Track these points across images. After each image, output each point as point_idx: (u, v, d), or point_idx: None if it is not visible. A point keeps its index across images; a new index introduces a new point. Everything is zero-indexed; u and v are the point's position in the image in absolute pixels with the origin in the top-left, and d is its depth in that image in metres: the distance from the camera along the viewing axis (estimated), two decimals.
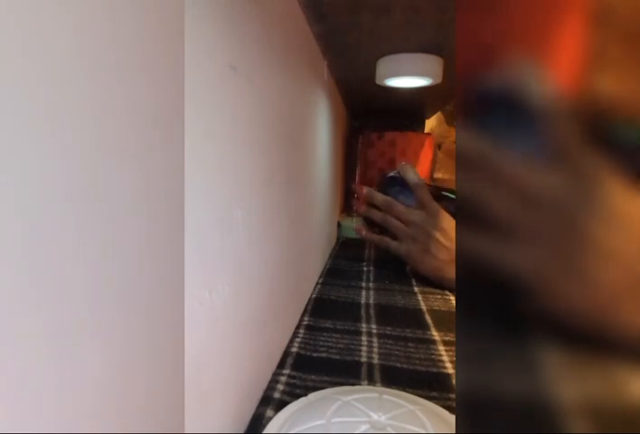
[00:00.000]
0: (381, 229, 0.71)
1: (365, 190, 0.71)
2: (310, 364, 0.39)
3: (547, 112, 0.19)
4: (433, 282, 0.64)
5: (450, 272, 0.61)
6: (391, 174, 0.72)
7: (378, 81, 0.63)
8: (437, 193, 0.67)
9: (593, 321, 0.19)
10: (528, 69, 0.19)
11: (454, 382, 0.37)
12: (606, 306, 0.19)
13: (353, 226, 0.78)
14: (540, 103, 0.19)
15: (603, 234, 0.19)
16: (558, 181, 0.19)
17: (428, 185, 0.67)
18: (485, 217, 0.20)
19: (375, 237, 0.72)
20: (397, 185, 0.69)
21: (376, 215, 0.70)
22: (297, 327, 0.48)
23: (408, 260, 0.68)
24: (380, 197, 0.69)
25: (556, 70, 0.20)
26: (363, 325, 0.49)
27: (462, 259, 0.20)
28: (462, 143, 0.20)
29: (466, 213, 0.20)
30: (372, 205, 0.71)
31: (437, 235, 0.62)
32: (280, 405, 0.31)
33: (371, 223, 0.73)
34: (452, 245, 0.61)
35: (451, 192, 0.68)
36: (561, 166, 0.19)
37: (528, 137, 0.20)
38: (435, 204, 0.64)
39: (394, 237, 0.69)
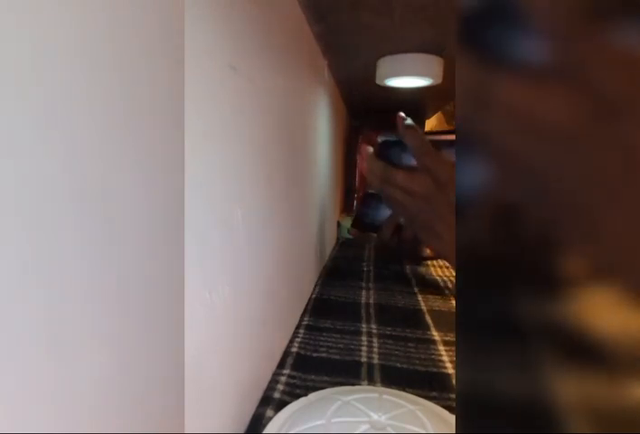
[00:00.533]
0: (374, 229, 0.63)
1: (365, 150, 0.60)
2: (310, 364, 0.39)
3: (542, 11, 0.16)
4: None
5: (453, 251, 0.54)
6: (386, 138, 0.60)
7: (378, 81, 0.63)
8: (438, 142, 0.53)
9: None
10: None
11: (454, 382, 0.37)
12: (620, 272, 0.17)
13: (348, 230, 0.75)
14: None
15: (628, 178, 0.16)
16: (574, 106, 0.16)
17: (431, 142, 0.53)
18: (489, 157, 0.17)
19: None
20: (395, 147, 0.57)
21: (376, 185, 0.55)
22: (297, 327, 0.48)
23: (408, 235, 0.55)
24: (377, 165, 0.55)
25: None
26: (363, 325, 0.49)
27: (462, 245, 0.18)
28: (458, 72, 0.17)
29: (467, 154, 0.18)
30: (372, 172, 0.57)
31: (445, 211, 0.50)
32: (280, 405, 0.31)
33: (361, 224, 0.65)
34: None
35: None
36: (575, 84, 0.16)
37: (527, 51, 0.16)
38: (443, 169, 0.51)
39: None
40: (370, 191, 0.60)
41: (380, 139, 0.56)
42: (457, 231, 0.19)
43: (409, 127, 0.52)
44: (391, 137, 0.57)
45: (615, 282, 0.17)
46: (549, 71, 0.17)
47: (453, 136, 0.56)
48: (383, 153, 0.56)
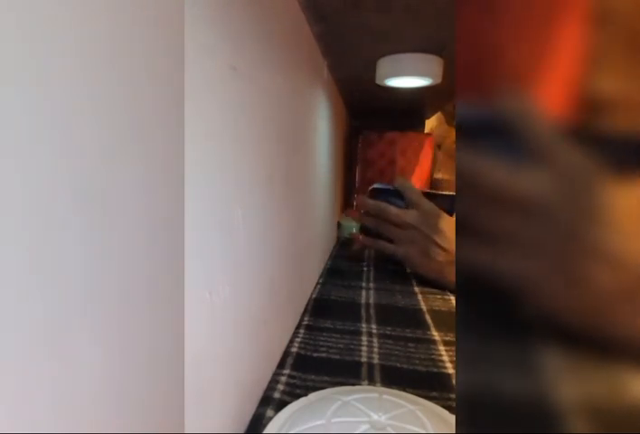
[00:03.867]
0: (378, 235, 0.70)
1: (360, 198, 0.70)
2: (310, 364, 0.39)
3: (522, 117, 0.20)
4: (433, 283, 0.64)
5: (450, 273, 0.61)
6: (376, 185, 0.71)
7: (378, 81, 0.63)
8: (428, 193, 0.66)
9: (592, 322, 0.19)
10: (517, 98, 0.20)
11: (454, 382, 0.37)
12: (604, 307, 0.19)
13: (353, 226, 0.77)
14: (528, 127, 0.20)
15: (596, 237, 0.19)
16: (541, 183, 0.19)
17: (421, 191, 0.66)
18: (482, 230, 0.21)
19: (370, 241, 0.70)
20: (385, 192, 0.68)
21: (369, 221, 0.68)
22: (297, 327, 0.48)
23: (406, 263, 0.67)
24: (371, 202, 0.68)
25: (555, 71, 0.20)
26: (363, 325, 0.49)
27: (461, 267, 0.20)
28: (460, 162, 0.21)
29: (465, 227, 0.21)
30: (367, 213, 0.69)
31: (435, 237, 0.61)
32: (280, 405, 0.31)
33: (367, 231, 0.72)
34: (450, 245, 0.60)
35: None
36: (543, 168, 0.20)
37: (504, 143, 0.21)
38: (426, 202, 0.63)
39: (391, 241, 0.68)
40: (377, 186, 0.69)
41: (372, 187, 0.71)
42: (457, 240, 0.21)
43: (401, 177, 0.68)
44: (382, 185, 0.70)
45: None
46: (524, 164, 0.21)
47: (443, 192, 0.71)
48: (376, 196, 0.69)
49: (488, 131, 0.21)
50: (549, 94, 0.20)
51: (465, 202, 0.21)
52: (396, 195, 0.67)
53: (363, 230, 0.73)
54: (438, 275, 0.63)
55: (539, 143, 0.20)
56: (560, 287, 0.20)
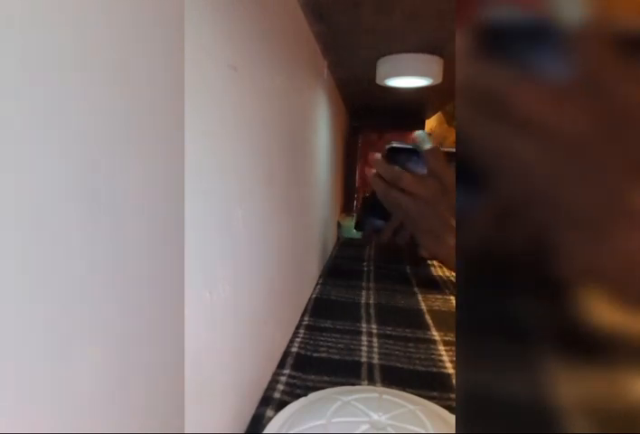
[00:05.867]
0: (375, 231, 0.63)
1: (376, 156, 0.55)
2: (310, 364, 0.39)
3: (578, 35, 0.16)
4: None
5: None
6: (394, 144, 0.56)
7: (378, 81, 0.63)
8: (450, 153, 0.54)
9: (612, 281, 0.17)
10: None
11: (454, 382, 0.37)
12: (626, 277, 0.17)
13: (353, 226, 0.76)
14: (570, 27, 0.15)
15: (635, 189, 0.16)
16: (584, 115, 0.16)
17: (444, 152, 0.54)
18: (491, 164, 0.17)
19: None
20: (404, 153, 0.56)
21: (378, 186, 0.55)
22: (297, 327, 0.48)
23: (414, 240, 0.55)
24: (386, 168, 0.54)
25: None
26: (363, 325, 0.49)
27: (464, 242, 0.18)
28: (461, 78, 0.16)
29: (468, 163, 0.17)
30: (378, 176, 0.56)
31: (448, 214, 0.51)
32: (280, 405, 0.31)
33: (363, 228, 0.64)
34: None
35: None
36: (589, 96, 0.16)
37: (546, 60, 0.16)
38: (450, 173, 0.51)
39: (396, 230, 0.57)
40: (367, 194, 0.60)
41: (389, 145, 0.57)
42: (458, 233, 0.18)
43: (425, 133, 0.52)
44: (400, 144, 0.57)
45: (606, 285, 0.17)
46: (570, 86, 0.16)
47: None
48: (392, 157, 0.56)
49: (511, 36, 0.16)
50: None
51: (475, 119, 0.16)
52: (417, 157, 0.55)
53: (358, 227, 0.60)
54: (447, 258, 0.53)
55: (590, 57, 0.16)
56: (587, 247, 0.17)
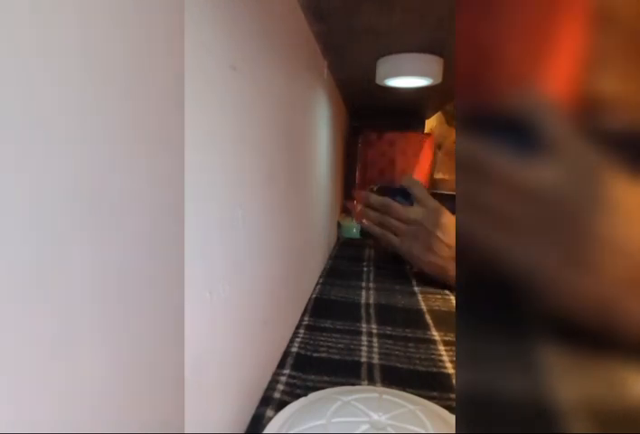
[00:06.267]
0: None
1: (363, 193, 0.71)
2: (310, 364, 0.39)
3: (538, 110, 0.20)
4: (435, 281, 0.64)
5: (452, 270, 0.61)
6: (381, 184, 0.73)
7: (378, 81, 0.63)
8: (436, 193, 0.68)
9: (595, 317, 0.19)
10: (531, 94, 0.20)
11: (454, 382, 0.37)
12: (609, 300, 0.19)
13: (353, 226, 0.77)
14: (543, 119, 0.20)
15: (605, 226, 0.19)
16: (556, 176, 0.20)
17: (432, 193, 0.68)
18: (486, 215, 0.20)
19: (377, 229, 0.70)
20: (388, 191, 0.69)
21: (374, 217, 0.69)
22: (297, 327, 0.48)
23: (409, 259, 0.67)
24: (377, 198, 0.69)
25: (555, 70, 0.20)
26: (363, 325, 0.49)
27: (463, 257, 0.20)
28: (459, 145, 0.20)
29: (467, 212, 0.21)
30: (371, 207, 0.70)
31: (438, 232, 0.62)
32: (280, 405, 0.31)
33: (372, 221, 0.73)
34: (453, 242, 0.61)
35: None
36: (557, 161, 0.20)
37: (523, 136, 0.21)
38: (433, 200, 0.64)
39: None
40: (380, 184, 0.70)
41: (376, 186, 0.72)
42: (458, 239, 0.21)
43: (408, 174, 0.70)
44: (386, 184, 0.71)
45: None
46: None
47: (449, 192, 0.72)
48: (381, 194, 0.68)
49: (495, 125, 0.21)
50: (551, 92, 0.20)
51: (464, 183, 0.21)
52: (401, 194, 0.68)
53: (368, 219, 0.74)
54: (441, 271, 0.63)
55: (552, 136, 0.20)
56: (564, 275, 0.20)
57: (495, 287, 0.20)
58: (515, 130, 0.20)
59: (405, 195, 0.67)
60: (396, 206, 0.66)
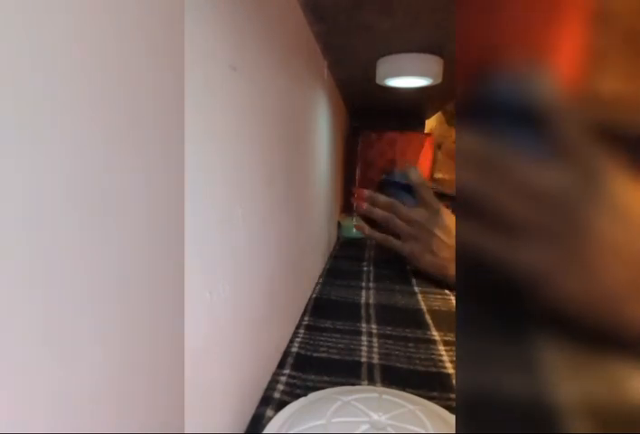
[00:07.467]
0: (382, 228, 0.71)
1: (366, 192, 0.71)
2: (310, 364, 0.39)
3: (550, 111, 0.19)
4: (436, 281, 0.65)
5: (454, 270, 0.61)
6: (386, 176, 0.73)
7: (378, 81, 0.63)
8: (438, 193, 0.68)
9: (596, 318, 0.19)
10: (531, 69, 0.19)
11: (454, 382, 0.37)
12: (610, 302, 0.19)
13: (353, 226, 0.78)
14: (543, 102, 0.19)
15: (608, 229, 0.19)
16: (562, 177, 0.19)
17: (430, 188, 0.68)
18: (487, 215, 0.20)
19: (378, 235, 0.71)
20: (393, 187, 0.70)
21: (378, 215, 0.70)
22: (297, 327, 0.48)
23: (411, 259, 0.68)
24: (382, 199, 0.69)
25: (556, 69, 0.20)
26: (363, 325, 0.49)
27: (462, 257, 0.20)
28: (463, 143, 0.20)
29: (467, 212, 0.20)
30: (374, 206, 0.71)
31: (439, 233, 0.63)
32: (280, 405, 0.31)
33: (371, 222, 0.73)
34: (454, 243, 0.61)
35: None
36: (566, 163, 0.19)
37: (530, 136, 0.20)
38: (436, 202, 0.65)
39: (396, 237, 0.69)
40: (384, 177, 0.70)
41: (382, 178, 0.72)
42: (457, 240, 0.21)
43: (415, 169, 0.66)
44: (390, 177, 0.72)
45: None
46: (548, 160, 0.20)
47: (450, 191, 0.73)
48: (385, 188, 0.69)
49: (496, 106, 0.20)
50: (556, 90, 0.20)
51: (466, 183, 0.20)
52: (405, 189, 0.68)
53: (367, 220, 0.74)
54: (442, 271, 0.63)
55: (565, 136, 0.19)
56: (565, 277, 0.20)
57: (495, 287, 0.20)
58: (526, 128, 0.20)
59: (410, 191, 0.67)
60: (400, 207, 0.67)
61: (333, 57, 0.61)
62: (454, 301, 0.58)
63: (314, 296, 0.59)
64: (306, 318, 0.50)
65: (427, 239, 0.64)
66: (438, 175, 1.30)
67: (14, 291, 0.10)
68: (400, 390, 0.33)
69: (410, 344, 0.44)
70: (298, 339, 0.45)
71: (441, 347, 0.44)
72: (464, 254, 0.20)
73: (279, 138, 0.36)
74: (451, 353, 0.43)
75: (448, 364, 0.40)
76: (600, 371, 0.19)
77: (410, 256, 0.67)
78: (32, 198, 0.11)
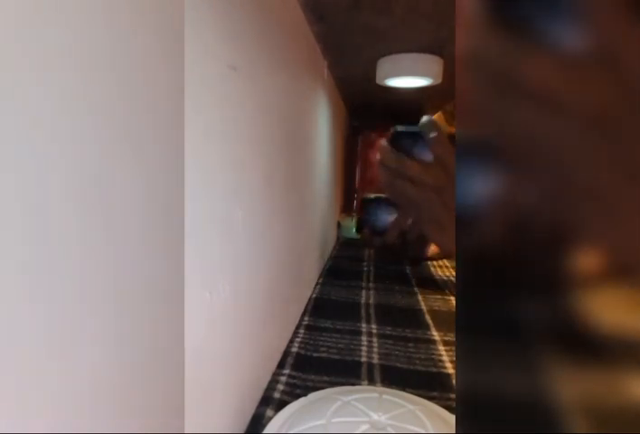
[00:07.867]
0: (378, 233, 0.63)
1: (380, 144, 0.54)
2: (310, 364, 0.39)
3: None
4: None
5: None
6: (399, 128, 0.59)
7: (378, 81, 0.63)
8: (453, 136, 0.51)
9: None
10: None
11: (454, 382, 0.37)
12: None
13: (353, 225, 0.76)
14: None
15: None
16: (608, 92, 0.15)
17: (450, 137, 0.53)
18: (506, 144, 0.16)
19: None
20: (409, 137, 0.56)
21: (384, 175, 0.54)
22: (297, 327, 0.48)
23: (412, 233, 0.54)
24: (390, 155, 0.53)
25: None
26: (363, 325, 0.49)
27: (463, 255, 0.18)
28: (483, 54, 0.15)
29: (479, 146, 0.16)
30: (385, 167, 0.55)
31: (454, 204, 0.52)
32: (280, 405, 0.31)
33: (364, 228, 0.64)
34: None
35: None
36: (612, 68, 0.15)
37: (568, 34, 0.15)
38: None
39: (400, 242, 0.57)
40: (367, 196, 0.60)
41: (394, 129, 0.56)
42: (458, 233, 0.18)
43: (430, 120, 0.51)
44: (406, 128, 0.56)
45: (628, 281, 0.16)
46: (585, 57, 0.15)
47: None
48: (397, 142, 0.55)
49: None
50: None
51: (486, 96, 0.15)
52: (423, 141, 0.54)
53: (360, 229, 0.61)
54: (452, 248, 0.51)
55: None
56: (590, 218, 0.16)
57: (496, 287, 0.20)
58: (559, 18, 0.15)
59: (423, 146, 0.54)
60: (412, 168, 0.52)
61: (333, 57, 0.61)
62: (454, 301, 0.58)
63: (314, 296, 0.59)
64: (306, 318, 0.50)
65: (439, 210, 0.51)
66: None
67: (14, 291, 0.10)
68: (400, 390, 0.33)
69: (410, 344, 0.44)
70: (298, 339, 0.45)
71: (441, 347, 0.44)
72: (465, 254, 0.19)
73: (279, 138, 0.36)
74: (451, 353, 0.43)
75: (448, 364, 0.40)
76: (600, 371, 0.19)
77: (417, 224, 0.54)
78: (31, 198, 0.11)
